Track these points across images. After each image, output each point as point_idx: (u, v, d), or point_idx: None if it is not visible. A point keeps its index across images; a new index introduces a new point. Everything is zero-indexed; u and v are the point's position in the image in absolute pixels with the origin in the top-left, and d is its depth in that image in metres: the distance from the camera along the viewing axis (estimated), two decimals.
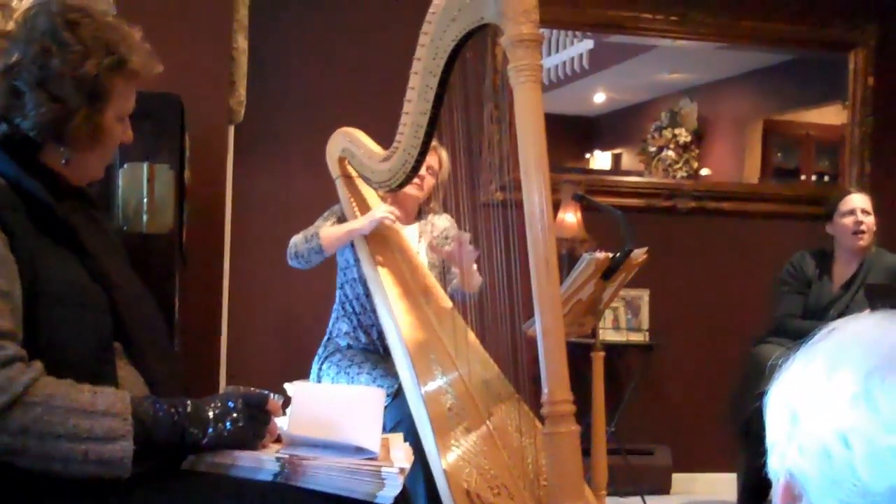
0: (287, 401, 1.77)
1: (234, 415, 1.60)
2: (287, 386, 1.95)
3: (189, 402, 1.59)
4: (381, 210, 3.18)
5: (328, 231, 3.27)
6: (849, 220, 4.08)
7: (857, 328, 0.84)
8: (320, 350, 3.47)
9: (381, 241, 3.23)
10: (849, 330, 0.85)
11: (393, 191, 3.07)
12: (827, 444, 0.79)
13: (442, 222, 3.57)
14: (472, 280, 3.34)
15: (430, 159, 3.37)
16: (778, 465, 0.85)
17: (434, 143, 3.33)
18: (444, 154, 3.44)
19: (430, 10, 2.39)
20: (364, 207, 3.30)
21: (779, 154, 6.13)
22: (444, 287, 3.36)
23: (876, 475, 0.76)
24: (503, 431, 2.87)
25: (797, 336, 0.87)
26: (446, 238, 3.50)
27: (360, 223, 3.20)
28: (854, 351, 0.81)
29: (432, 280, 3.27)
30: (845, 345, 0.83)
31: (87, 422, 1.47)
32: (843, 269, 4.18)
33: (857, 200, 4.11)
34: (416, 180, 3.27)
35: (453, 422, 2.81)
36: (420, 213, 3.56)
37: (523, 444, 2.80)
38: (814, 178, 6.04)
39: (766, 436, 0.87)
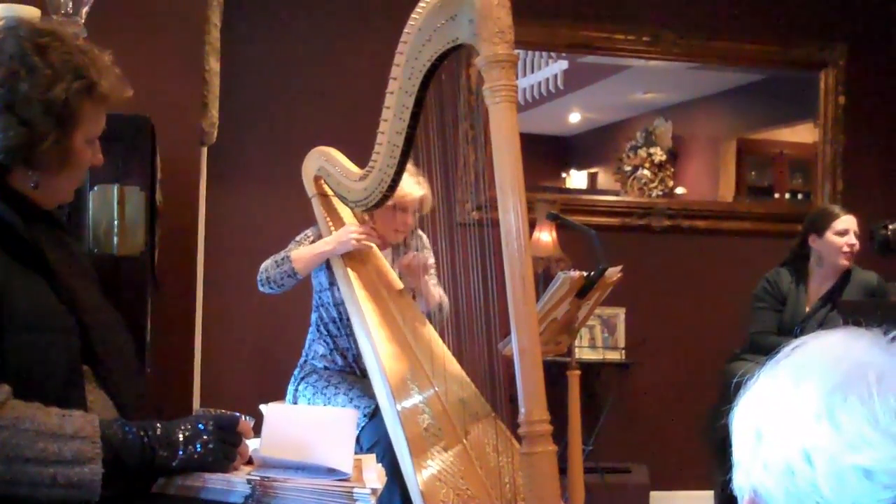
0: (259, 422, 1.76)
1: (205, 437, 1.59)
2: (263, 407, 1.95)
3: (159, 424, 1.58)
4: (349, 231, 3.17)
5: (300, 253, 3.25)
6: (842, 240, 4.10)
7: (819, 345, 0.85)
8: (296, 371, 3.45)
9: (357, 261, 3.23)
10: (811, 347, 0.85)
11: (369, 210, 3.07)
12: (790, 461, 0.79)
13: (414, 241, 3.54)
14: (427, 293, 3.33)
15: (414, 202, 3.32)
16: (743, 481, 0.85)
17: (424, 188, 3.31)
18: (428, 193, 3.36)
19: (406, 30, 2.40)
20: (340, 226, 3.30)
21: (753, 172, 6.18)
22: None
23: (838, 493, 0.76)
24: (480, 451, 2.87)
25: (771, 352, 0.87)
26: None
27: (329, 245, 3.19)
28: (816, 368, 0.82)
29: (409, 300, 3.27)
30: (808, 362, 0.83)
31: (56, 445, 1.46)
32: (819, 285, 4.21)
33: (852, 222, 4.13)
34: (399, 227, 3.30)
35: (430, 442, 2.81)
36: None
37: (500, 463, 2.80)
38: (787, 195, 6.09)
39: (732, 453, 0.88)
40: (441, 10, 2.27)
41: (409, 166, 2.86)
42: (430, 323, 3.26)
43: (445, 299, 3.39)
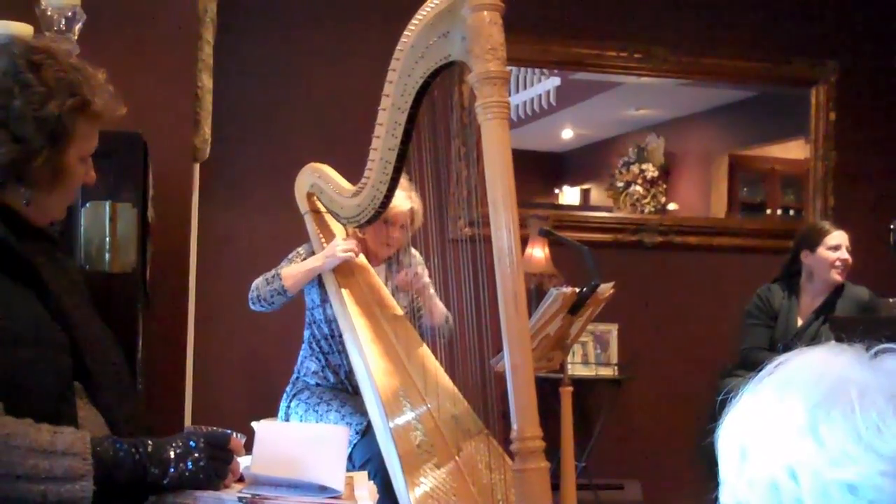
0: (251, 439, 1.76)
1: (196, 454, 1.58)
2: (254, 425, 1.95)
3: (150, 441, 1.57)
4: (339, 246, 3.18)
5: (290, 270, 3.25)
6: (834, 255, 4.12)
7: (802, 362, 0.85)
8: (288, 388, 3.45)
9: (349, 277, 3.23)
10: (794, 364, 0.86)
11: (362, 226, 3.08)
12: (775, 478, 0.80)
13: (406, 258, 3.54)
14: (435, 310, 3.32)
15: (403, 215, 3.32)
16: (729, 499, 0.85)
17: (415, 202, 3.32)
18: (418, 207, 3.38)
19: (398, 47, 2.41)
20: None
21: (745, 188, 6.21)
22: (414, 325, 3.35)
23: None
24: (473, 468, 2.86)
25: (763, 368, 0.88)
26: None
27: (320, 261, 3.19)
28: (799, 385, 0.82)
29: (401, 316, 3.27)
30: (791, 379, 0.84)
31: (47, 462, 1.45)
32: (810, 301, 4.22)
33: (843, 237, 4.16)
34: (389, 241, 3.32)
35: (422, 458, 2.80)
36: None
37: (493, 480, 2.79)
38: (779, 212, 6.12)
39: (718, 471, 0.88)
40: (433, 27, 2.28)
41: (402, 181, 2.86)
42: (434, 338, 3.26)
43: (448, 312, 3.39)
